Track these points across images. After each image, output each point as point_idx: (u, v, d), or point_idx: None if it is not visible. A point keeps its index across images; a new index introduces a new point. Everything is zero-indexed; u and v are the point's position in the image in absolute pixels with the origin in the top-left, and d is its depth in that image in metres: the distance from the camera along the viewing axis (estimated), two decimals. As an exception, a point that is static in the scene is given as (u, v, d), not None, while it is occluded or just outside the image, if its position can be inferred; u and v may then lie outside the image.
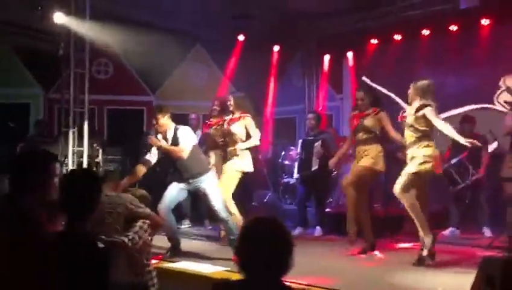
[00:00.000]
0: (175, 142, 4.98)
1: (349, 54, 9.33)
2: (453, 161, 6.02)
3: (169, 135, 5.03)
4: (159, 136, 5.08)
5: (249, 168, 5.65)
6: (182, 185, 5.07)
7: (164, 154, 5.10)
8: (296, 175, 7.34)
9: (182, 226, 7.17)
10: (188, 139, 5.00)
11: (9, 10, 7.94)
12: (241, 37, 9.03)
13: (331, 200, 8.15)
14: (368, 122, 5.21)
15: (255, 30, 8.85)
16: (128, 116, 9.94)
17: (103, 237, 2.81)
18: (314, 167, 6.71)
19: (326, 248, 5.76)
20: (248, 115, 5.64)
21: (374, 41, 8.99)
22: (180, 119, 9.14)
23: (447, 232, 6.19)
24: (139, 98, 10.11)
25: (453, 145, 5.85)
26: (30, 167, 2.02)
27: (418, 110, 4.63)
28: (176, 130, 5.01)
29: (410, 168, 4.62)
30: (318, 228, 6.60)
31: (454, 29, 8.00)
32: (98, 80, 9.71)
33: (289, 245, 1.89)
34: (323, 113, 9.37)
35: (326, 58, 9.51)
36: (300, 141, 7.35)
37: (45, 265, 1.80)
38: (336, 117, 10.26)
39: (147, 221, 3.45)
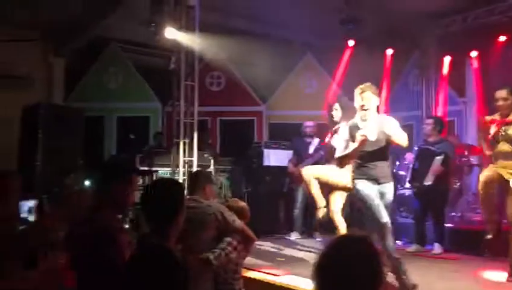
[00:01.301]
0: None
1: (473, 54, 8.52)
2: None
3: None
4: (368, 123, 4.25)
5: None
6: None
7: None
8: (407, 185, 6.81)
9: (291, 238, 7.06)
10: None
11: (128, 29, 8.55)
12: (351, 42, 8.70)
13: (454, 214, 7.45)
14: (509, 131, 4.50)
15: (365, 34, 8.47)
16: (239, 127, 10.10)
17: (188, 251, 2.71)
18: (428, 182, 6.15)
19: (446, 268, 5.20)
20: None
21: (501, 38, 8.10)
22: (293, 128, 9.12)
23: None
24: (250, 108, 10.22)
25: None
26: (112, 176, 2.00)
27: None
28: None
29: None
30: (436, 244, 6.02)
31: None
32: (211, 91, 10.03)
33: (378, 269, 1.60)
34: (444, 118, 8.66)
35: (447, 59, 8.79)
36: (416, 149, 6.80)
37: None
38: (459, 123, 9.43)
39: (237, 237, 3.28)
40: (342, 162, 4.63)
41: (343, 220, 5.31)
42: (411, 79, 10.03)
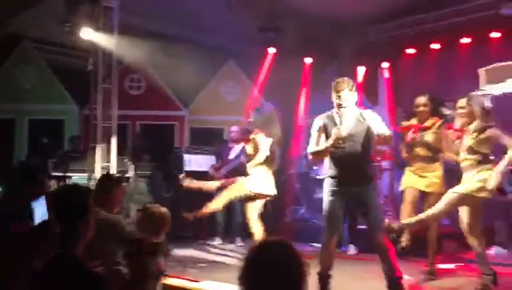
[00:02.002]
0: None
1: (385, 64, 9.01)
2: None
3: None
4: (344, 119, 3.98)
5: (260, 189, 5.41)
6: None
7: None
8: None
9: (214, 243, 7.06)
10: None
11: (43, 28, 8.13)
12: (271, 50, 8.88)
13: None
14: (430, 137, 4.80)
15: (286, 42, 8.68)
16: (160, 132, 9.93)
17: (97, 263, 2.62)
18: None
19: (359, 268, 5.45)
20: (259, 132, 5.38)
21: (410, 50, 8.67)
22: (214, 133, 9.14)
23: (491, 251, 5.75)
24: (171, 112, 10.10)
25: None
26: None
27: (482, 131, 4.23)
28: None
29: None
30: (352, 246, 6.29)
31: (497, 36, 7.60)
32: (131, 95, 9.78)
33: (301, 272, 1.65)
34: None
35: (361, 69, 9.22)
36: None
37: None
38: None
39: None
40: (314, 158, 4.37)
41: (261, 227, 5.38)
42: (329, 88, 10.38)
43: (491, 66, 7.87)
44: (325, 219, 4.04)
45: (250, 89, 9.75)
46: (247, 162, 5.46)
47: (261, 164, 5.33)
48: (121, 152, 7.07)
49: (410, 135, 4.82)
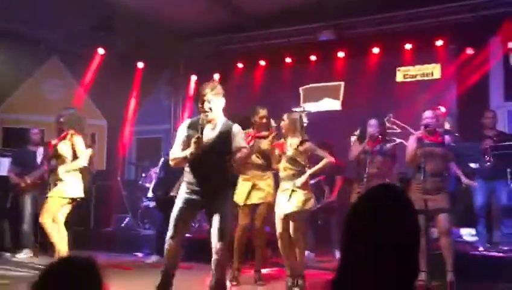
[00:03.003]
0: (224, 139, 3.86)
1: (216, 76, 9.29)
2: (311, 181, 6.15)
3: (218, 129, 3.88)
4: (208, 127, 3.84)
5: (77, 193, 5.10)
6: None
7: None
8: (150, 194, 6.95)
9: (21, 256, 6.36)
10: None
11: None
12: (101, 50, 8.48)
13: (193, 225, 7.89)
14: (264, 145, 4.93)
15: (117, 44, 8.39)
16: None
17: None
18: (174, 193, 6.39)
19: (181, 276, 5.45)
20: (77, 133, 5.07)
21: (240, 65, 9.09)
22: (21, 133, 8.26)
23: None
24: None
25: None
26: None
27: (301, 144, 4.56)
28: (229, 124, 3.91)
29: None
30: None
31: (314, 59, 8.42)
32: None
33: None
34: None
35: (193, 78, 9.37)
36: (162, 160, 6.94)
37: None
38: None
39: None
40: (174, 164, 3.97)
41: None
42: (162, 94, 10.34)
43: (309, 85, 8.69)
44: (172, 220, 3.92)
45: (76, 89, 9.18)
46: (58, 165, 5.05)
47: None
48: None
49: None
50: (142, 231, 7.70)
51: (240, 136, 3.89)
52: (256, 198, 4.99)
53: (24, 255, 6.35)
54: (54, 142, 5.14)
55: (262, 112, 5.11)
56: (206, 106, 3.78)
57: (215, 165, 3.81)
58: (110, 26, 7.82)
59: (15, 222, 6.63)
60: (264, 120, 5.10)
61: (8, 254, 6.41)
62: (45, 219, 4.96)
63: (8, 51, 7.60)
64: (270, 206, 4.89)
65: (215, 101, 3.79)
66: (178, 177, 6.29)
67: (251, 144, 4.89)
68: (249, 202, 5.01)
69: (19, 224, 6.55)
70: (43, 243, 6.22)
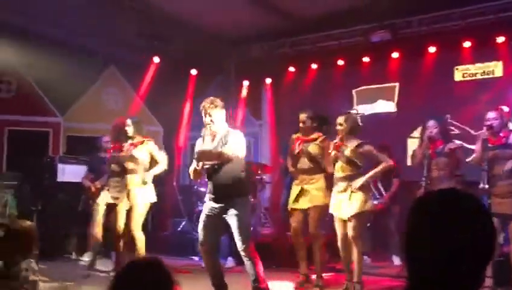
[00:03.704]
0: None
1: (268, 80, 9.33)
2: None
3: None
4: (209, 138, 4.19)
5: (155, 198, 5.35)
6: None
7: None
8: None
9: (85, 259, 6.64)
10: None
11: None
12: (156, 59, 8.72)
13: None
14: (312, 149, 4.96)
15: (171, 52, 8.60)
16: (31, 139, 9.17)
17: None
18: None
19: (236, 279, 5.50)
20: (151, 139, 5.34)
21: (291, 68, 9.08)
22: (92, 142, 8.64)
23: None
24: (45, 119, 9.41)
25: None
26: None
27: (358, 146, 4.53)
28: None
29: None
30: (230, 258, 6.34)
31: (367, 61, 8.27)
32: (-1, 98, 8.96)
33: None
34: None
35: (245, 83, 9.44)
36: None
37: None
38: (255, 143, 10.18)
39: None
40: (193, 177, 4.40)
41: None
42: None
43: (362, 87, 8.54)
44: (198, 228, 4.25)
45: (132, 97, 9.49)
46: (127, 171, 5.25)
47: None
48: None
49: (296, 148, 5.00)
50: (197, 235, 7.81)
51: (232, 143, 4.04)
52: (303, 203, 4.98)
53: (87, 258, 6.61)
54: (126, 147, 5.29)
55: (301, 116, 5.11)
56: (208, 118, 4.04)
57: (225, 173, 4.03)
58: (163, 35, 8.03)
59: (83, 226, 6.97)
60: (306, 124, 5.05)
61: (73, 257, 6.70)
62: (136, 229, 5.15)
63: (69, 62, 7.96)
64: (323, 209, 4.85)
65: (215, 113, 4.05)
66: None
67: (299, 148, 4.91)
68: (297, 207, 5.01)
69: (87, 228, 6.86)
70: (105, 248, 6.49)
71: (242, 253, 4.07)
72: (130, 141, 5.32)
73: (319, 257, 5.06)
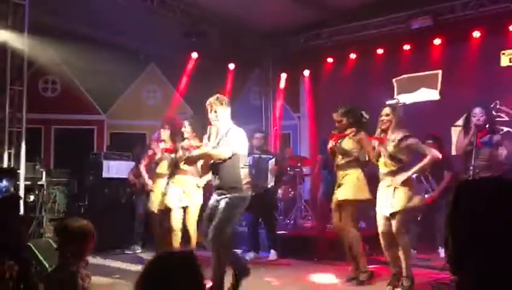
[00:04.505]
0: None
1: (306, 72, 9.24)
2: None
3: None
4: (213, 135, 4.36)
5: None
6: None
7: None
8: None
9: (132, 252, 6.82)
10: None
11: None
12: (194, 55, 8.79)
13: (288, 221, 7.93)
14: (346, 144, 4.87)
15: (209, 48, 8.65)
16: (77, 136, 9.48)
17: None
18: (271, 184, 6.47)
19: (280, 272, 5.51)
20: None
21: (329, 60, 8.96)
22: (135, 138, 8.85)
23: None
24: (90, 116, 9.69)
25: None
26: None
27: (402, 140, 4.38)
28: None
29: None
30: (272, 251, 6.34)
31: (407, 48, 8.06)
32: (45, 98, 9.28)
33: (198, 286, 1.61)
34: (279, 132, 9.27)
35: (283, 76, 9.39)
36: (251, 158, 6.98)
37: None
38: (293, 136, 10.13)
39: None
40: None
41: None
42: (252, 94, 10.51)
43: (403, 76, 8.33)
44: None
45: (172, 94, 9.61)
46: (181, 173, 5.34)
47: None
48: (33, 158, 6.69)
49: (330, 144, 4.94)
50: (238, 228, 7.86)
51: (229, 138, 4.12)
52: (339, 195, 4.89)
53: (132, 252, 6.79)
54: (186, 145, 5.25)
55: (335, 116, 5.03)
56: (213, 114, 4.19)
57: (222, 169, 4.14)
58: (201, 31, 8.08)
59: (128, 219, 7.16)
60: (342, 122, 4.95)
61: (118, 250, 6.87)
62: (192, 227, 5.27)
63: (111, 61, 8.15)
64: (354, 204, 4.80)
65: (220, 110, 4.18)
66: (267, 176, 6.44)
67: (332, 144, 4.85)
68: (335, 201, 4.94)
69: (132, 221, 7.04)
70: (149, 239, 6.64)
71: (204, 242, 4.18)
72: (187, 142, 5.22)
73: (355, 252, 4.94)
